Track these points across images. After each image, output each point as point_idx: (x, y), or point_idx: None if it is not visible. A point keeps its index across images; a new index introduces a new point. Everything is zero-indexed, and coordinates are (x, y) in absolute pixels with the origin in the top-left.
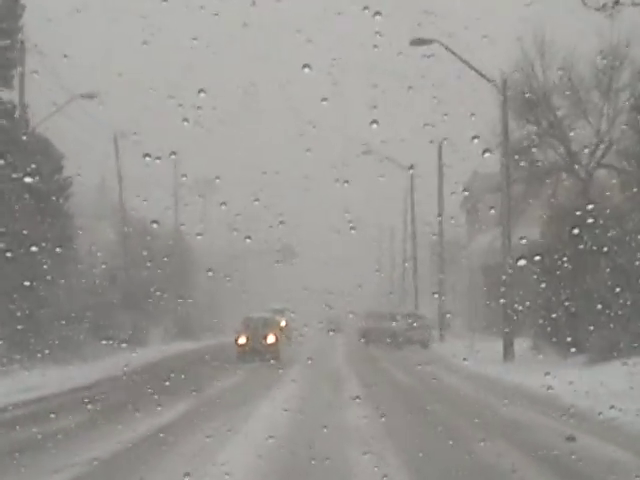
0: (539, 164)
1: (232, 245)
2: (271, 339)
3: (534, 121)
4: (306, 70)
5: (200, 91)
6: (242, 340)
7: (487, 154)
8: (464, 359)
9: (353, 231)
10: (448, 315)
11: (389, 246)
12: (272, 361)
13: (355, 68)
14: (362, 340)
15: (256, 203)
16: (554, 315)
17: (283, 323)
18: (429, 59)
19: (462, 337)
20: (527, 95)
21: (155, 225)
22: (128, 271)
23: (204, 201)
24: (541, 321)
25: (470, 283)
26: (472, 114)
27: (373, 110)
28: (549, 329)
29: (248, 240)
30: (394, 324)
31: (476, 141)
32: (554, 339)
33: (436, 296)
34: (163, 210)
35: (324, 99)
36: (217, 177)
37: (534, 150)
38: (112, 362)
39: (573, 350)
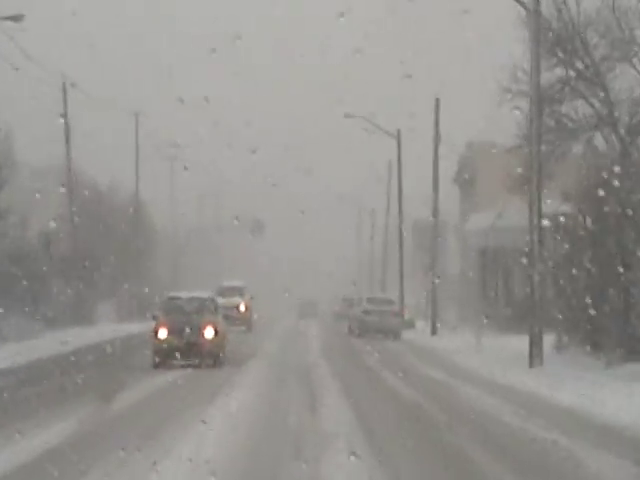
0: (569, 119)
1: (201, 219)
2: (209, 333)
3: (565, 63)
4: (341, 20)
5: (236, 38)
6: (162, 333)
7: None
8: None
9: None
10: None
11: (369, 225)
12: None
13: (390, 22)
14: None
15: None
16: (589, 301)
17: (242, 307)
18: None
19: (456, 330)
20: (557, 28)
21: None
22: (76, 239)
23: (172, 168)
24: (571, 313)
25: (463, 269)
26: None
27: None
28: (584, 323)
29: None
30: (358, 310)
31: None
32: (589, 337)
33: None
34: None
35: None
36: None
37: (564, 100)
38: (34, 344)
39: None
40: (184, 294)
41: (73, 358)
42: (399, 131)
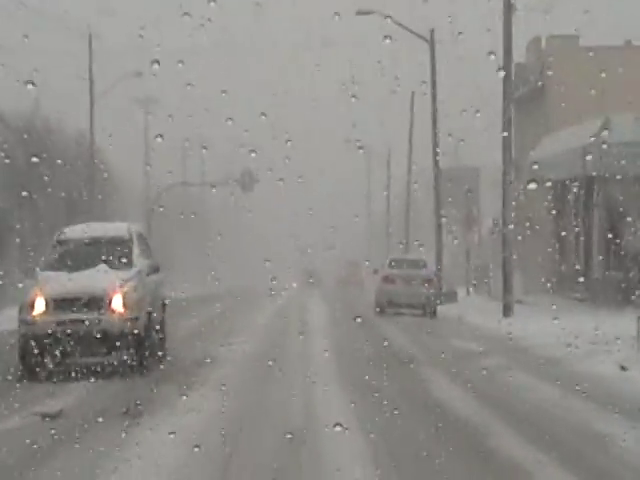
0: None
1: (183, 173)
2: None
3: None
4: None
5: (210, 0)
6: None
7: None
8: None
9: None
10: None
11: (384, 173)
12: None
13: None
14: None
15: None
16: None
17: (116, 300)
18: None
19: (525, 306)
20: None
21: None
22: None
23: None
24: None
25: (521, 219)
26: None
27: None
28: None
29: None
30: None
31: None
32: None
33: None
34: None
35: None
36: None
37: None
38: None
39: None
40: None
41: None
42: (432, 32)
